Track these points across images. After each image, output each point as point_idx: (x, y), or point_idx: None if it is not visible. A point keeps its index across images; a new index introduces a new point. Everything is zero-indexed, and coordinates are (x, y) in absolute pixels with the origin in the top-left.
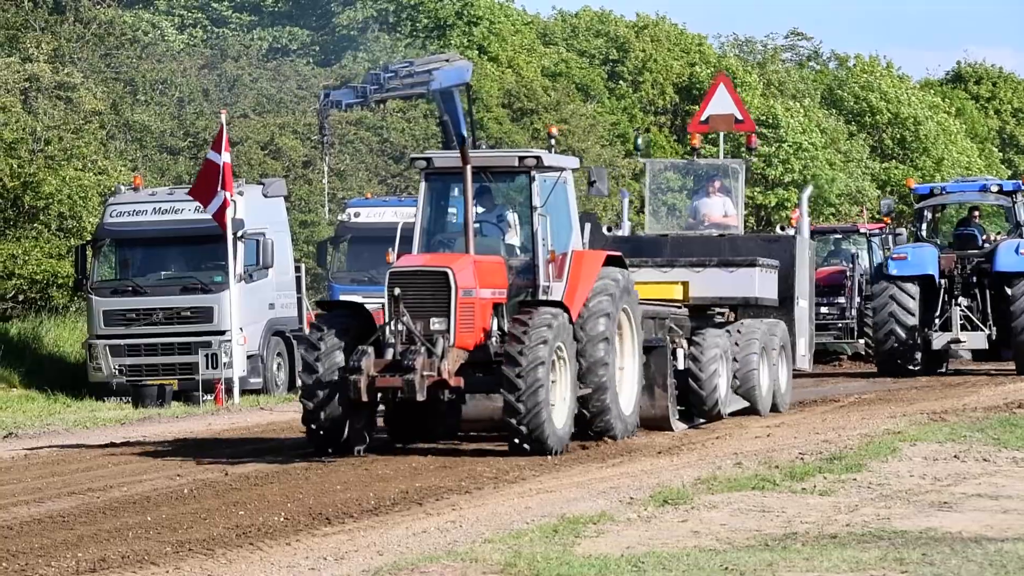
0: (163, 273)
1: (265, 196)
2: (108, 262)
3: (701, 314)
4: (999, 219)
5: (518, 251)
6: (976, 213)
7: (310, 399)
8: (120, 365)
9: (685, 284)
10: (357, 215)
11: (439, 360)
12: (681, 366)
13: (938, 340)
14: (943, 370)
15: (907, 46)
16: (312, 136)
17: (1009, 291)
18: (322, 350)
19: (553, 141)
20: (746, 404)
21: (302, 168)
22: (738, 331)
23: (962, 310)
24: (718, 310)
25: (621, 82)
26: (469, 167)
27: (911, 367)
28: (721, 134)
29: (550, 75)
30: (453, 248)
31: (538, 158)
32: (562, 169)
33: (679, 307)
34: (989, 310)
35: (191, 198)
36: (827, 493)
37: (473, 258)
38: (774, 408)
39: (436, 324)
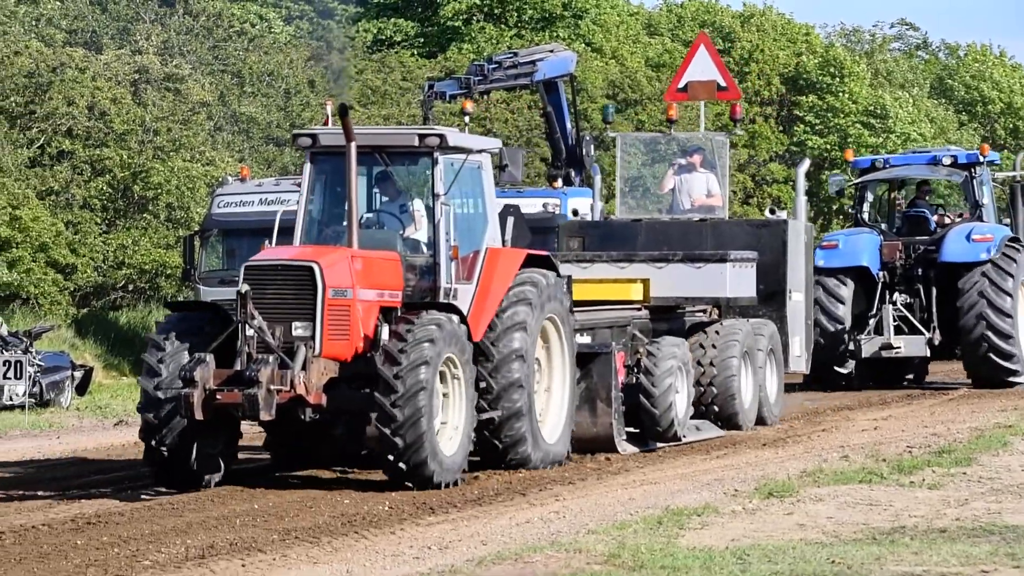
0: None
1: None
2: (215, 252)
3: (671, 315)
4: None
5: (424, 247)
6: (928, 191)
7: (150, 416)
8: None
9: (645, 282)
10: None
11: (295, 372)
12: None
13: (868, 346)
14: (910, 379)
15: (1019, 36)
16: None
17: (960, 287)
18: (165, 358)
19: (467, 119)
20: (720, 433)
21: None
22: (716, 333)
23: (898, 309)
24: (697, 309)
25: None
26: (353, 144)
27: (843, 375)
28: (703, 105)
29: (654, 66)
30: (342, 241)
31: (442, 137)
32: (472, 151)
33: (639, 309)
34: (935, 309)
35: (297, 189)
36: (936, 487)
37: (352, 252)
38: (760, 421)
39: (299, 329)
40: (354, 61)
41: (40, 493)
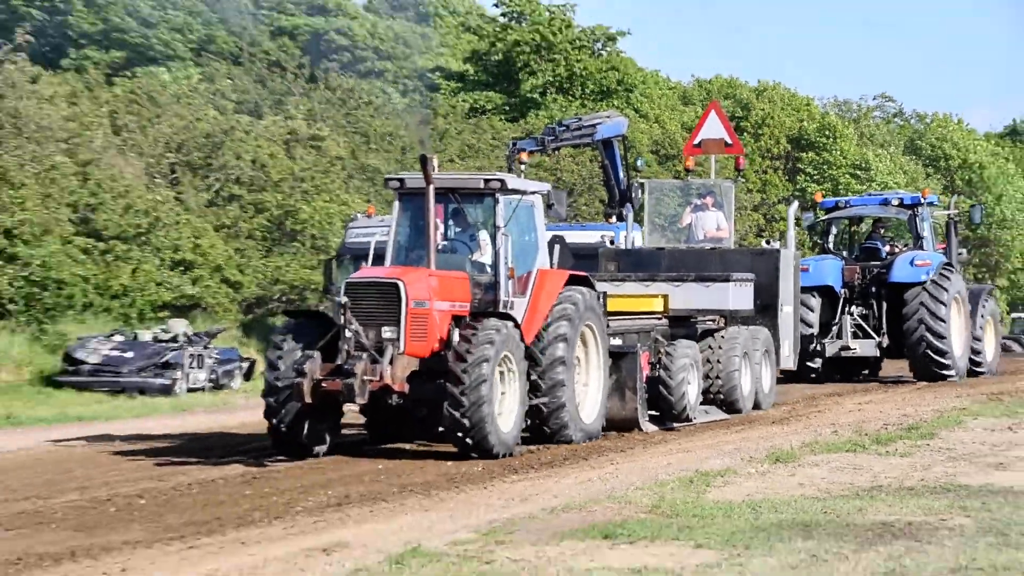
0: None
1: None
2: (347, 272)
3: (685, 323)
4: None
5: (487, 268)
6: (881, 226)
7: (272, 400)
8: None
9: (665, 297)
10: (563, 238)
11: (384, 366)
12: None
13: (830, 347)
14: (866, 374)
15: (973, 106)
16: None
17: (905, 302)
18: (284, 354)
19: (523, 167)
20: (723, 416)
21: None
22: (721, 338)
23: (855, 319)
24: (707, 318)
25: (744, 134)
26: (432, 187)
27: (812, 370)
28: (713, 156)
29: (688, 128)
30: (423, 263)
31: (502, 181)
32: (526, 193)
33: (660, 318)
34: (884, 319)
35: None
36: (906, 455)
37: (429, 272)
38: (756, 406)
39: (387, 333)
40: (455, 125)
41: (216, 455)
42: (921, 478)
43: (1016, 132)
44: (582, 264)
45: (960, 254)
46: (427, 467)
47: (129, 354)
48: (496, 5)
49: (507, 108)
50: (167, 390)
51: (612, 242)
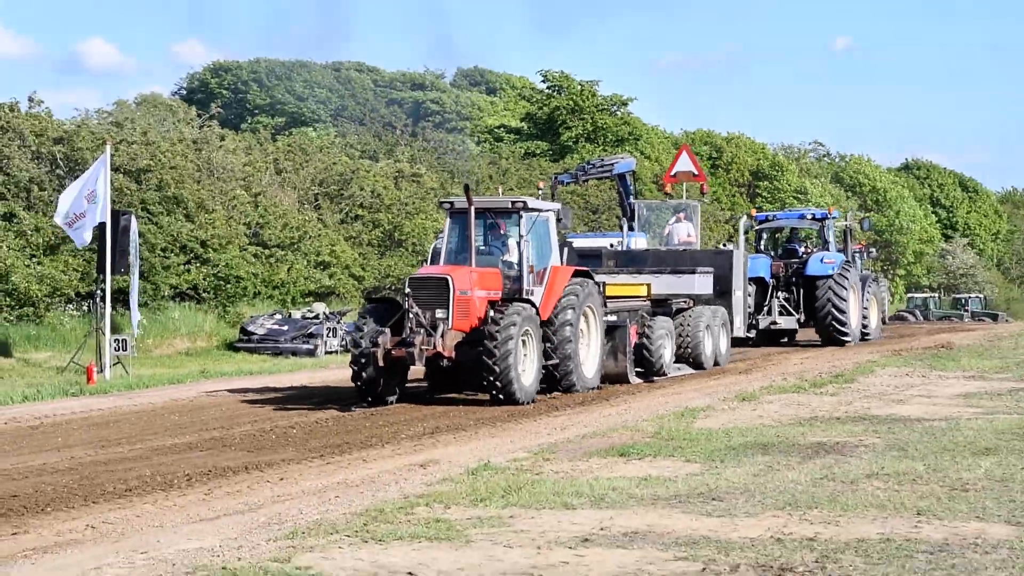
0: None
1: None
2: None
3: (664, 304)
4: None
5: (514, 266)
6: (798, 233)
7: (355, 364)
8: None
9: (648, 284)
10: (572, 243)
11: (437, 338)
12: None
13: (763, 322)
14: (786, 340)
15: (882, 147)
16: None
17: (816, 289)
18: (364, 331)
19: (540, 192)
20: (691, 371)
21: None
22: (690, 314)
23: (780, 302)
24: (679, 300)
25: (718, 169)
26: (473, 207)
27: (749, 339)
28: (684, 184)
29: None
30: (467, 263)
31: (524, 202)
32: (542, 211)
33: (644, 300)
34: (801, 302)
35: None
36: (835, 394)
37: (470, 269)
38: (716, 364)
39: (439, 313)
40: (514, 164)
41: (345, 399)
42: (845, 411)
43: (908, 167)
44: (595, 261)
45: (871, 253)
46: (495, 407)
47: (285, 327)
48: (543, 81)
49: (551, 152)
50: (311, 353)
51: (612, 245)
